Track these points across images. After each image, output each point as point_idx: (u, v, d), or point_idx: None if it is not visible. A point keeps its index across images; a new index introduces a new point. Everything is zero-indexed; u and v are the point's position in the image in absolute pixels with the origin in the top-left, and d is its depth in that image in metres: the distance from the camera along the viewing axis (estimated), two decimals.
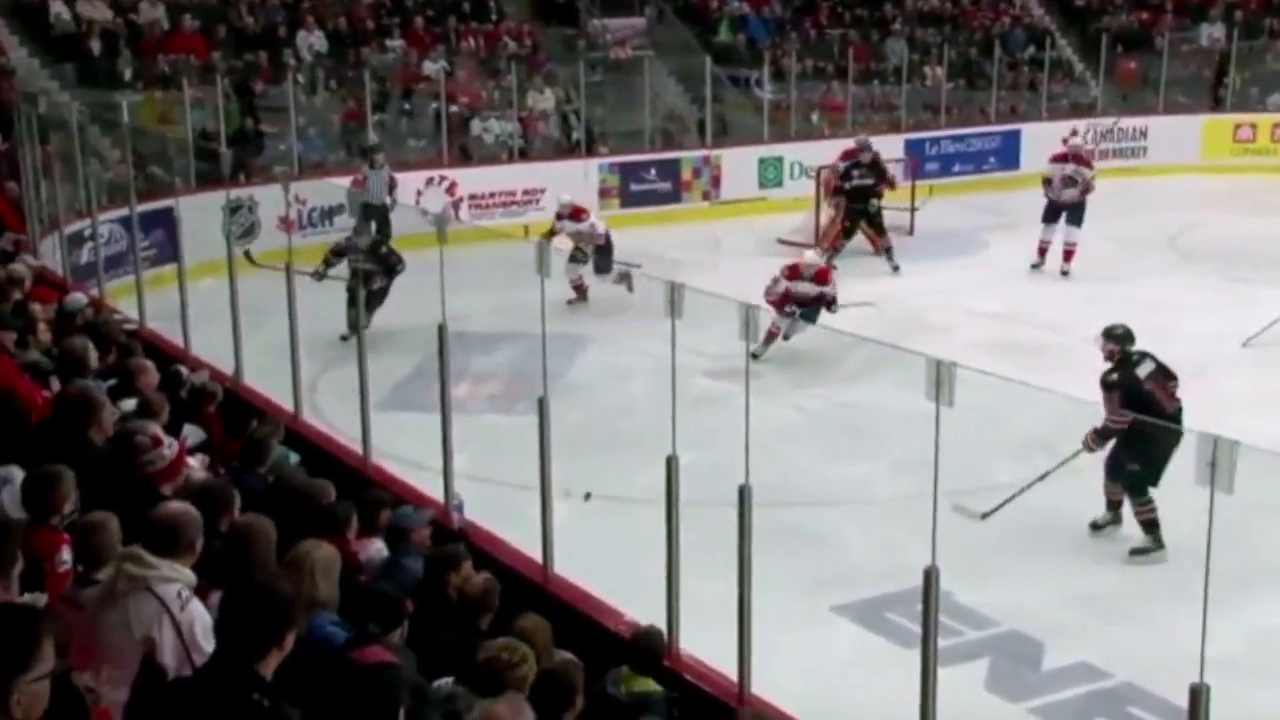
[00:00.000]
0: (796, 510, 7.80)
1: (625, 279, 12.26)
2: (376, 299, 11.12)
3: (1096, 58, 21.26)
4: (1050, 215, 14.14)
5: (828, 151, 16.41)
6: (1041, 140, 17.48)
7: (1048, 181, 14.19)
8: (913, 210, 15.91)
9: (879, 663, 6.19)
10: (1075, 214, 13.93)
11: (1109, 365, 7.86)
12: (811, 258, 11.53)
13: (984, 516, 7.55)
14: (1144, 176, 19.62)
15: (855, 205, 14.77)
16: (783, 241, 15.76)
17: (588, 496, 8.03)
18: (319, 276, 11.17)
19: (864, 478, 8.49)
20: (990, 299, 13.17)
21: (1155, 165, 20.16)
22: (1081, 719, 5.93)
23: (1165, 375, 7.80)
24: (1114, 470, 7.76)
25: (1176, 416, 7.52)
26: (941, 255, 14.96)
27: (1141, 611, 6.45)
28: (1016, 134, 19.74)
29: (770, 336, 10.78)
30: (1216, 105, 21.19)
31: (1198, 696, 3.57)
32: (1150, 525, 7.44)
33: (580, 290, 12.65)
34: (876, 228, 14.89)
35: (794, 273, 11.23)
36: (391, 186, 14.11)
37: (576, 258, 12.52)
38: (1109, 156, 20.34)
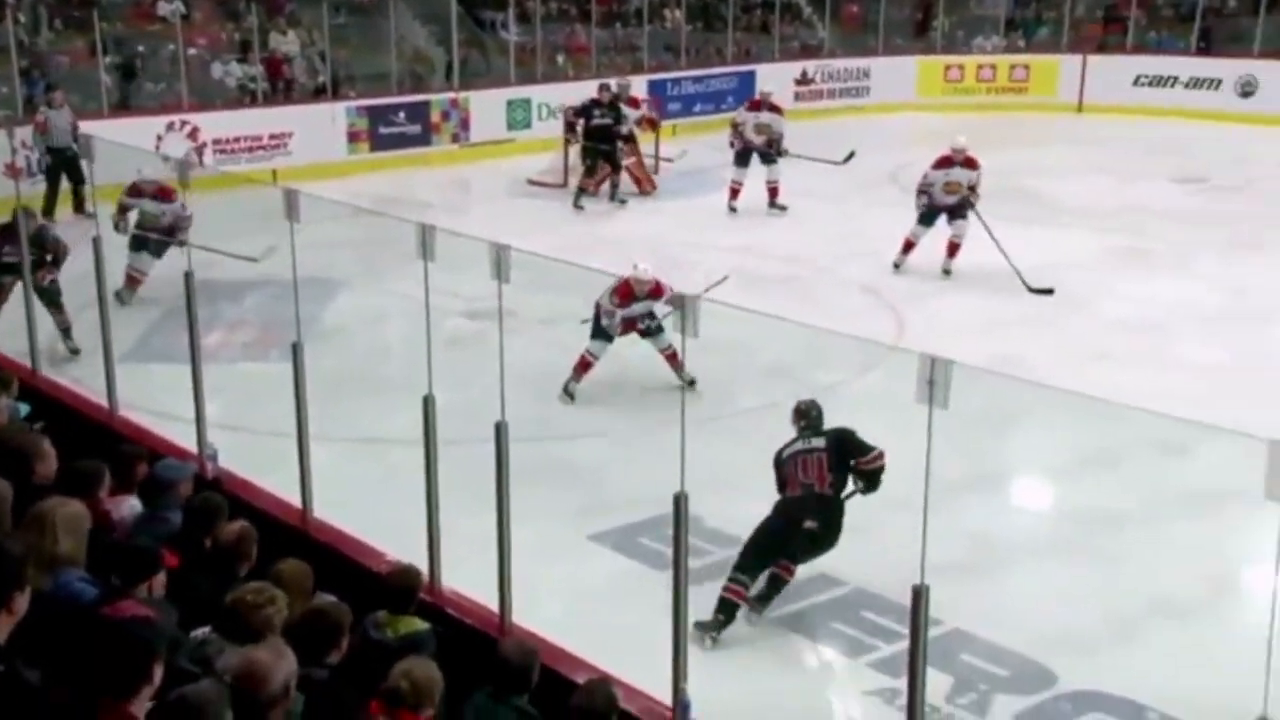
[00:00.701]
0: (554, 444, 7.85)
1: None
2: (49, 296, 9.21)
3: (823, 1, 21.88)
4: (742, 159, 14.39)
5: (574, 93, 16.42)
6: (775, 80, 17.93)
7: (737, 126, 14.45)
8: (658, 159, 16.07)
9: (635, 586, 6.32)
10: (768, 157, 14.29)
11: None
12: (643, 272, 8.71)
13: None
14: (867, 115, 20.41)
15: (596, 144, 14.80)
16: (532, 182, 15.74)
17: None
18: None
19: (618, 409, 8.61)
20: (733, 234, 13.49)
21: (877, 104, 21.00)
22: (820, 624, 6.19)
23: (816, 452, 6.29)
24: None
25: (801, 501, 6.17)
26: (685, 194, 15.20)
27: (872, 522, 6.75)
28: (752, 74, 20.17)
29: (585, 366, 8.81)
30: (925, 46, 22.12)
31: (919, 595, 3.80)
32: (728, 607, 6.06)
33: None
34: (614, 165, 14.97)
35: (625, 296, 8.69)
36: (74, 129, 12.95)
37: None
38: (835, 96, 21.11)
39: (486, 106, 17.68)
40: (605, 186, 14.98)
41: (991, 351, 8.93)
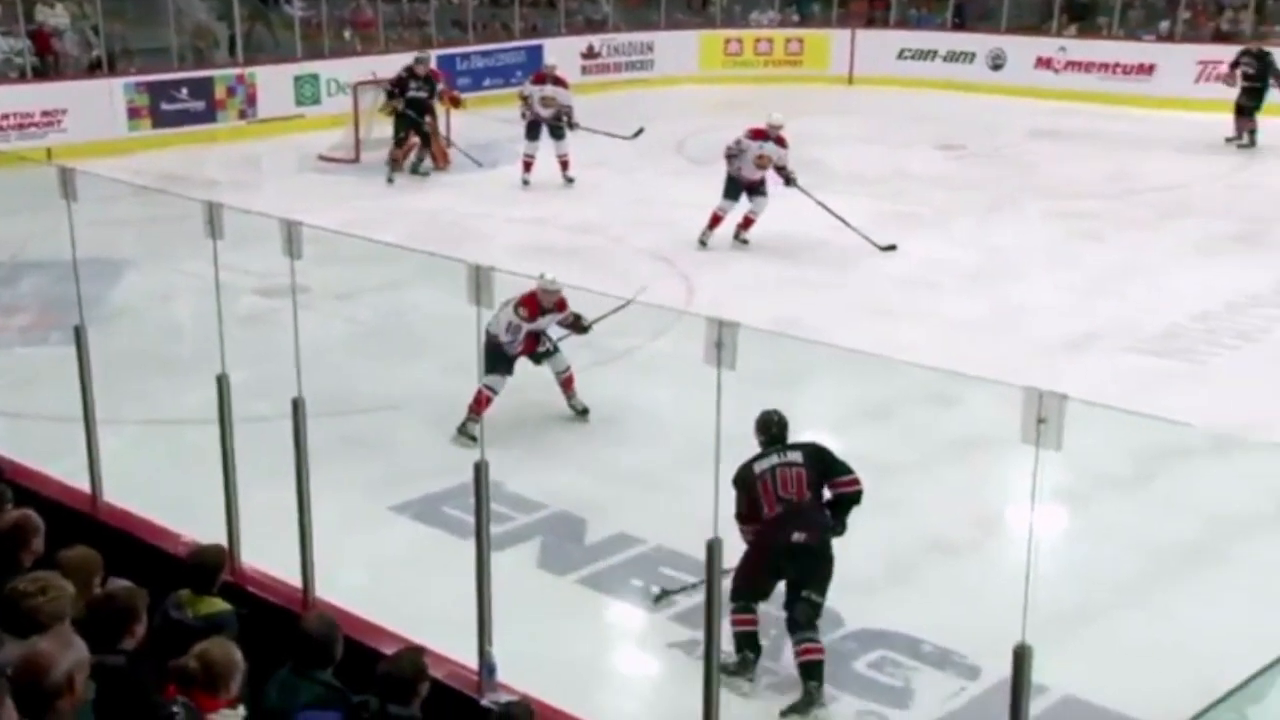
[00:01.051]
0: (352, 418, 7.72)
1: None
2: None
3: None
4: (532, 132, 14.35)
5: (363, 67, 16.08)
6: (562, 54, 17.90)
7: (525, 99, 14.41)
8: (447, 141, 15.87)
9: (438, 554, 6.27)
10: (557, 130, 14.27)
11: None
12: (550, 282, 7.73)
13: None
14: (652, 88, 20.58)
15: (411, 115, 14.54)
16: (323, 158, 15.35)
17: None
18: None
19: (416, 381, 8.50)
20: (525, 207, 13.45)
21: (661, 76, 21.18)
22: (621, 582, 6.27)
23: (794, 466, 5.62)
24: None
25: (782, 520, 5.46)
26: (476, 167, 15.06)
27: (668, 481, 6.87)
28: (539, 49, 20.05)
29: (483, 404, 7.14)
30: (704, 20, 22.42)
31: (712, 549, 3.89)
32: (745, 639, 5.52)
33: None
34: (424, 137, 14.76)
35: (533, 309, 7.71)
36: None
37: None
38: (621, 69, 21.21)
39: (273, 82, 17.11)
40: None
41: (776, 314, 9.18)
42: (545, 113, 14.28)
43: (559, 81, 14.54)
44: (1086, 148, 16.04)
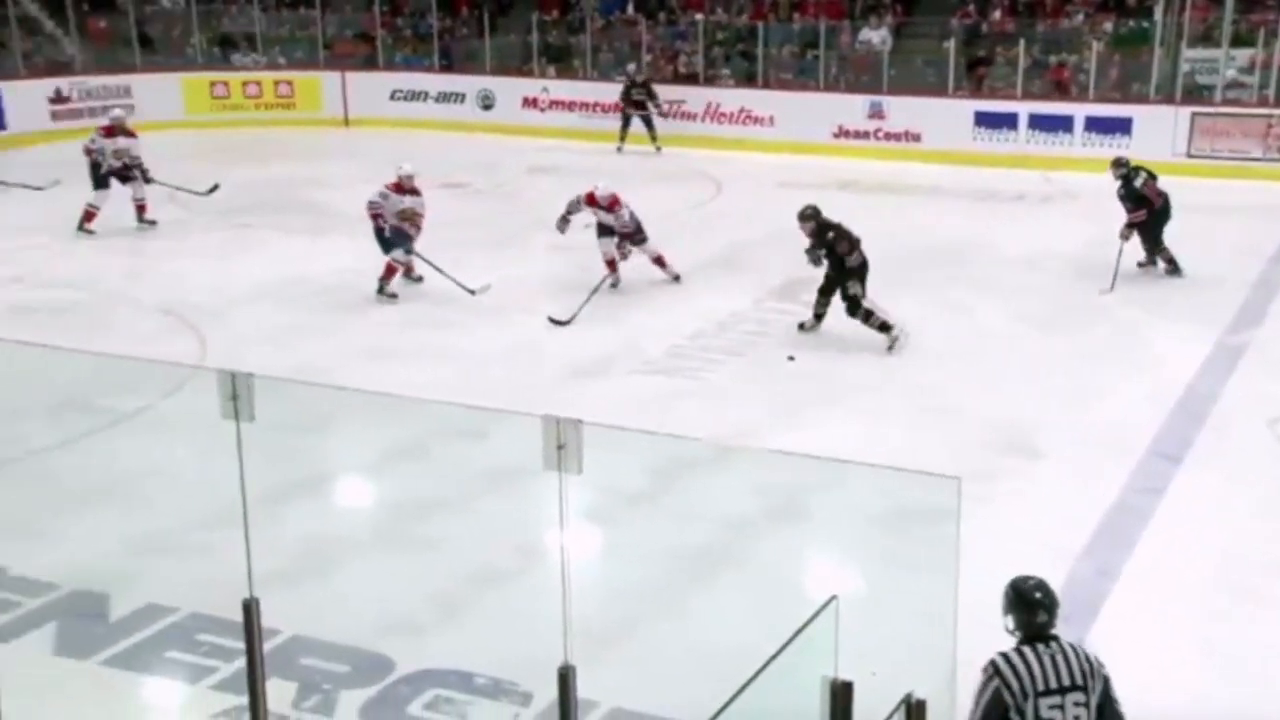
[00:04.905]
0: None
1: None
2: None
3: (64, 15, 20.48)
4: (101, 182, 13.84)
5: None
6: (28, 97, 16.55)
7: (95, 151, 13.82)
8: None
9: None
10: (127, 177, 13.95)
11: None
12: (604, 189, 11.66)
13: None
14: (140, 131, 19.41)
15: None
16: None
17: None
18: None
19: None
20: (12, 264, 12.29)
21: (146, 122, 19.95)
22: (154, 657, 5.88)
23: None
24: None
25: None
26: None
27: (198, 544, 6.53)
28: None
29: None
30: (184, 62, 21.58)
31: (249, 608, 3.75)
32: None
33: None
34: None
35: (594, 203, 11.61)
36: None
37: None
38: (96, 114, 19.79)
39: None
40: None
41: (292, 362, 8.97)
42: (117, 164, 13.79)
43: (129, 133, 14.09)
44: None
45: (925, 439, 8.14)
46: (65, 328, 9.22)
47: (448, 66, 22.06)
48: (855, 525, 6.55)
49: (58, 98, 19.42)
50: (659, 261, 12.03)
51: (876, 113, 18.58)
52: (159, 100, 20.28)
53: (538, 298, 11.60)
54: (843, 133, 18.72)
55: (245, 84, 21.47)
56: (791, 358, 9.92)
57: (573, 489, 3.39)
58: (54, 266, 12.32)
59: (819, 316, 10.43)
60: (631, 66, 19.95)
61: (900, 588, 5.68)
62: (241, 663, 5.14)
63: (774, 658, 3.72)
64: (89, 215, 13.72)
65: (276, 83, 21.60)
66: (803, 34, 20.16)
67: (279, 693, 5.01)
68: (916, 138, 18.33)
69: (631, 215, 11.66)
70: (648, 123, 19.13)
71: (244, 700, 4.96)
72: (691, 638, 6.11)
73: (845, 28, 19.88)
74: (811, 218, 10.20)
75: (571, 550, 3.68)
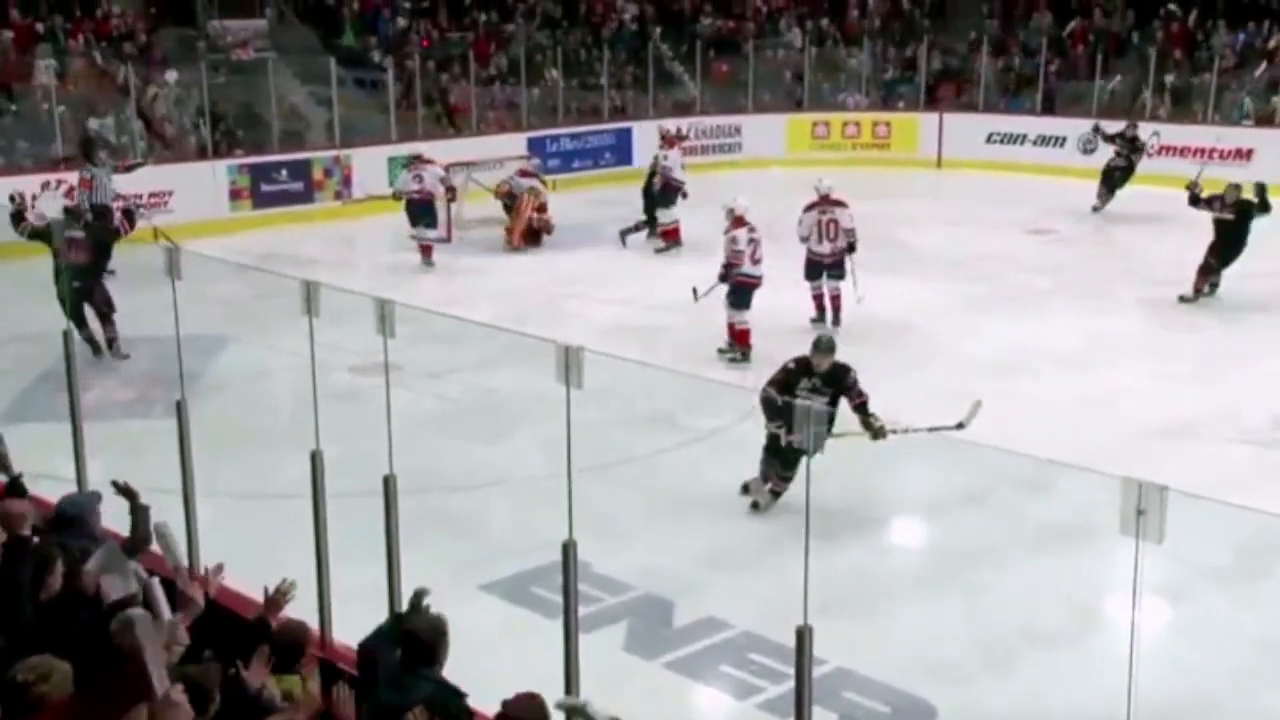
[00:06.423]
0: (441, 495, 7.74)
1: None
2: None
3: (693, 60, 22.16)
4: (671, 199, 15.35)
5: (455, 151, 16.44)
6: (649, 135, 18.10)
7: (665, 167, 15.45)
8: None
9: (525, 634, 6.23)
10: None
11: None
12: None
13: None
14: (739, 169, 20.68)
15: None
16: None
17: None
18: None
19: (504, 459, 8.53)
20: (614, 287, 13.53)
21: (749, 159, 21.28)
22: (709, 668, 6.17)
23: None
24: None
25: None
26: (569, 247, 15.24)
27: (759, 564, 6.78)
28: (629, 131, 20.34)
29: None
30: (792, 104, 22.59)
31: (802, 636, 3.80)
32: None
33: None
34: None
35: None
36: None
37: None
38: (710, 152, 21.32)
39: (368, 163, 17.51)
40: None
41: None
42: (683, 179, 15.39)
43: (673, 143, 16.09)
44: (1183, 234, 15.76)
45: None
46: (656, 347, 9.94)
47: (1049, 109, 21.42)
48: None
49: (677, 135, 21.09)
50: None
51: None
52: (764, 138, 21.47)
53: (1125, 352, 10.94)
54: None
55: (845, 124, 22.14)
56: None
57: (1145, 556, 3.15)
58: (653, 291, 13.27)
59: None
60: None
61: None
62: (786, 686, 5.27)
63: None
64: (670, 233, 15.07)
65: (875, 124, 22.07)
66: None
67: None
68: None
69: None
70: None
71: None
72: None
73: None
74: None
75: (1139, 621, 3.40)
